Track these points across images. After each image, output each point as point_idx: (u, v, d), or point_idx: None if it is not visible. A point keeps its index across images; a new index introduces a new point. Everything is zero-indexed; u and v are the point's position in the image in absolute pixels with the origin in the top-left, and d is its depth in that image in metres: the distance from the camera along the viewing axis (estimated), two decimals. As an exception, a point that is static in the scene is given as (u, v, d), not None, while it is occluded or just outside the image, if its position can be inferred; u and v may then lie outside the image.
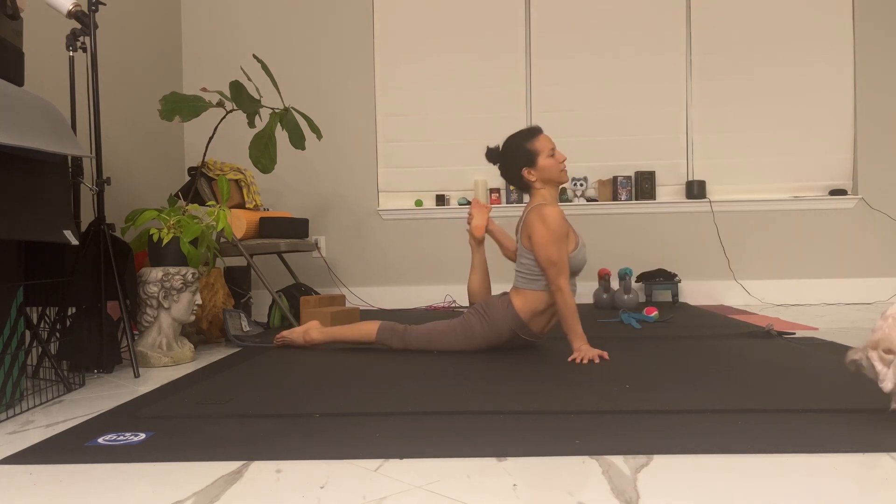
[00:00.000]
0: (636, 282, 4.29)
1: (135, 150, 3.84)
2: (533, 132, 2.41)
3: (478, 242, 2.65)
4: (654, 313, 3.36)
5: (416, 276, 4.53)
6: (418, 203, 4.50)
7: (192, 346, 2.53)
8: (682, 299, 4.38)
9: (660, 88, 4.47)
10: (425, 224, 4.53)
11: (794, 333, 2.82)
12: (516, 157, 2.40)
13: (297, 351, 2.59)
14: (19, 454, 1.32)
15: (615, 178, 4.42)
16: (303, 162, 4.54)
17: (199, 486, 1.13)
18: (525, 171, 2.38)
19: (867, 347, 1.35)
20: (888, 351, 1.31)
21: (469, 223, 2.66)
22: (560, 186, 2.46)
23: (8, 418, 1.64)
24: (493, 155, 2.48)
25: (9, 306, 1.75)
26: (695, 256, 4.40)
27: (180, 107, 2.69)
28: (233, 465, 1.23)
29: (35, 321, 2.13)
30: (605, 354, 2.23)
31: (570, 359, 2.22)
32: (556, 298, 2.27)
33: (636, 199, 4.40)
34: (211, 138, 3.04)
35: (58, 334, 2.20)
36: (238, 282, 3.56)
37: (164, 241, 2.47)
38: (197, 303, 2.50)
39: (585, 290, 4.38)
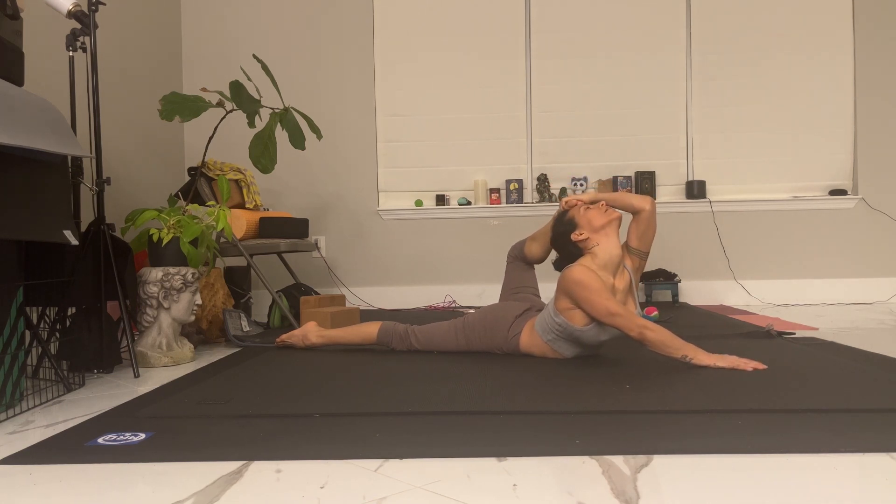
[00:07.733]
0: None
1: (135, 150, 3.84)
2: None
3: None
4: (655, 313, 3.36)
5: (416, 276, 4.53)
6: (418, 203, 4.50)
7: (192, 346, 2.53)
8: (682, 299, 4.38)
9: (660, 88, 4.47)
10: (425, 224, 4.52)
11: (794, 333, 2.82)
12: (559, 232, 2.30)
13: (297, 351, 2.59)
14: (19, 454, 1.32)
15: (615, 178, 4.42)
16: (303, 162, 4.54)
17: (199, 486, 1.13)
18: (574, 235, 2.25)
19: None
20: None
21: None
22: (618, 227, 2.26)
23: (8, 418, 1.64)
24: (557, 263, 2.37)
25: (9, 306, 1.75)
26: (695, 256, 4.40)
27: (180, 107, 2.68)
28: (233, 465, 1.23)
29: (35, 321, 2.13)
30: (759, 365, 1.99)
31: (714, 364, 2.01)
32: (647, 339, 2.02)
33: (636, 199, 4.40)
34: (211, 138, 3.04)
35: (58, 334, 2.19)
36: (238, 282, 3.56)
37: (164, 241, 2.47)
38: (197, 303, 2.50)
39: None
